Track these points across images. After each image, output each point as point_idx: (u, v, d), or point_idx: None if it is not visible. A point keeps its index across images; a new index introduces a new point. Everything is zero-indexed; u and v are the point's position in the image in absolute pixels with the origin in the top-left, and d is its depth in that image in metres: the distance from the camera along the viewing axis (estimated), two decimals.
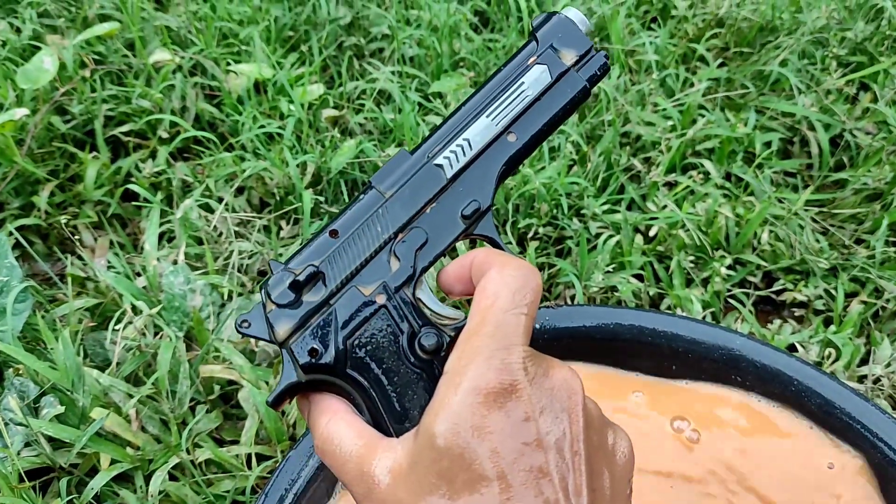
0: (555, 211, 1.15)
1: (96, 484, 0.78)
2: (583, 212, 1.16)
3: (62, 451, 0.81)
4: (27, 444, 0.81)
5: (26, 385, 0.83)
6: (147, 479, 0.81)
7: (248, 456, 0.84)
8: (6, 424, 0.80)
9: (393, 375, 0.41)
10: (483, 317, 0.38)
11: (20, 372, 0.83)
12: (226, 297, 0.99)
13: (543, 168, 1.18)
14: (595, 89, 1.29)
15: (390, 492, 0.37)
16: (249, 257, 1.06)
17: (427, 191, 0.44)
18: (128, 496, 0.79)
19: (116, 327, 0.89)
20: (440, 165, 0.44)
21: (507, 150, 0.45)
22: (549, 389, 0.37)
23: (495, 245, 0.45)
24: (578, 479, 0.36)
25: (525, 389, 0.36)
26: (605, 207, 1.16)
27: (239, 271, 1.04)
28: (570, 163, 1.21)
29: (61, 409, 0.80)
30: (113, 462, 0.81)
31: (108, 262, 1.04)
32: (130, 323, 0.89)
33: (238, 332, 0.42)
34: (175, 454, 0.80)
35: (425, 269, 0.43)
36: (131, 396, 0.84)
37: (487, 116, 0.45)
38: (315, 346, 0.41)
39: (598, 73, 0.47)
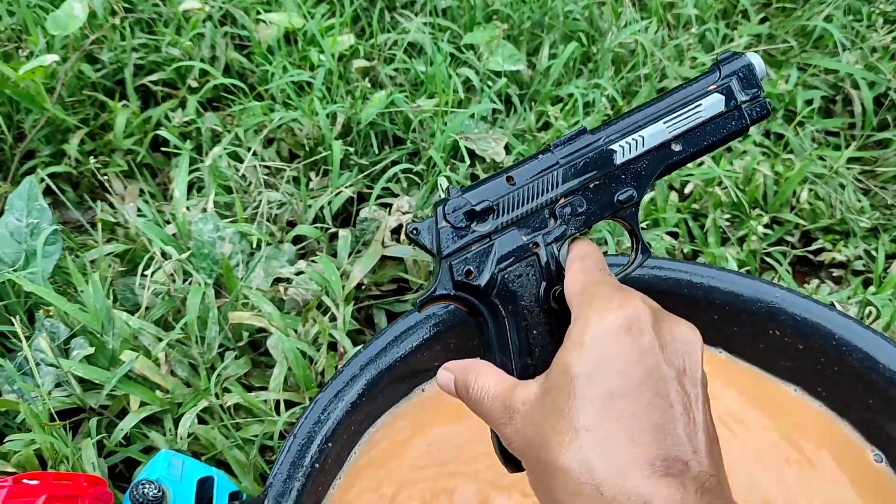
0: None
1: (126, 425, 0.78)
2: None
3: (92, 393, 0.82)
4: (57, 385, 0.81)
5: (56, 326, 0.83)
6: (176, 421, 0.81)
7: (277, 402, 0.84)
8: (37, 364, 0.80)
9: (527, 313, 0.48)
10: (586, 275, 0.45)
11: (50, 313, 0.84)
12: (255, 245, 0.98)
13: (577, 122, 1.15)
14: (632, 43, 1.26)
15: (527, 417, 0.42)
16: (279, 207, 1.05)
17: (597, 169, 0.50)
18: (157, 438, 0.80)
19: (146, 272, 0.89)
20: (614, 151, 0.50)
21: (671, 156, 0.51)
22: (668, 331, 0.42)
23: (634, 233, 0.52)
24: (698, 413, 0.40)
25: (647, 323, 0.41)
26: None
27: (268, 220, 1.03)
28: (604, 117, 1.18)
29: (91, 350, 0.80)
30: (142, 404, 0.81)
31: (138, 209, 1.04)
32: (160, 268, 0.89)
33: (408, 237, 0.49)
34: (204, 398, 0.80)
35: (573, 235, 0.50)
36: (160, 340, 0.84)
37: (664, 123, 0.51)
38: (471, 268, 0.48)
39: (758, 116, 0.53)
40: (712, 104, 0.51)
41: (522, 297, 0.48)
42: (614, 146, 0.50)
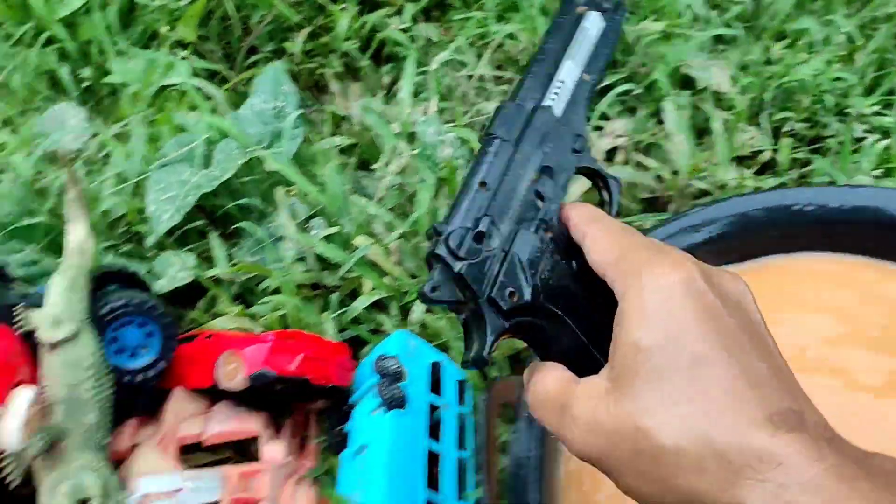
0: (816, 107, 1.07)
1: (360, 304, 0.81)
2: (847, 111, 1.07)
3: (328, 272, 0.85)
4: (298, 260, 0.85)
5: (297, 205, 0.87)
6: (402, 309, 0.84)
7: None
8: (279, 239, 0.84)
9: (578, 298, 0.43)
10: (612, 240, 0.40)
11: (293, 192, 0.87)
12: (474, 151, 0.99)
13: (806, 60, 1.09)
14: None
15: (599, 412, 0.37)
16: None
17: (546, 131, 0.46)
18: (385, 321, 0.82)
19: (378, 165, 0.91)
20: (549, 107, 0.46)
21: (587, 87, 0.48)
22: (719, 285, 0.38)
23: (597, 172, 0.48)
24: (780, 360, 0.36)
25: (702, 281, 0.37)
26: (874, 109, 1.07)
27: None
28: (836, 57, 1.11)
29: (332, 230, 0.83)
30: (372, 289, 0.84)
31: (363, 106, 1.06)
32: (392, 162, 0.91)
33: (427, 301, 0.42)
34: None
35: (559, 205, 0.46)
36: (392, 229, 0.87)
37: (570, 60, 0.48)
38: (511, 289, 0.42)
39: (622, 17, 0.51)
40: (593, 22, 0.49)
41: (566, 286, 0.44)
42: (546, 102, 0.46)
